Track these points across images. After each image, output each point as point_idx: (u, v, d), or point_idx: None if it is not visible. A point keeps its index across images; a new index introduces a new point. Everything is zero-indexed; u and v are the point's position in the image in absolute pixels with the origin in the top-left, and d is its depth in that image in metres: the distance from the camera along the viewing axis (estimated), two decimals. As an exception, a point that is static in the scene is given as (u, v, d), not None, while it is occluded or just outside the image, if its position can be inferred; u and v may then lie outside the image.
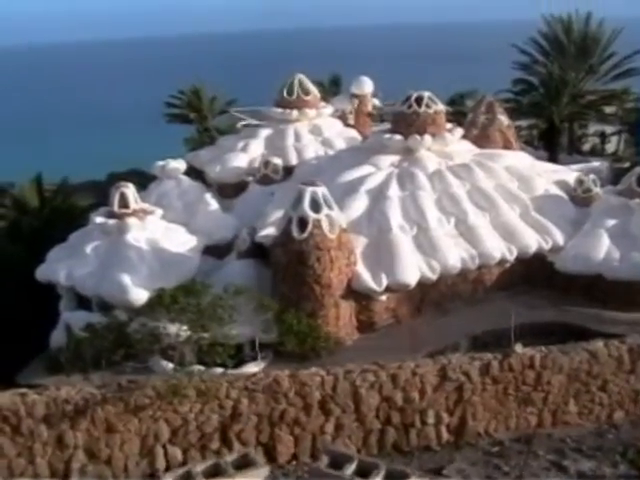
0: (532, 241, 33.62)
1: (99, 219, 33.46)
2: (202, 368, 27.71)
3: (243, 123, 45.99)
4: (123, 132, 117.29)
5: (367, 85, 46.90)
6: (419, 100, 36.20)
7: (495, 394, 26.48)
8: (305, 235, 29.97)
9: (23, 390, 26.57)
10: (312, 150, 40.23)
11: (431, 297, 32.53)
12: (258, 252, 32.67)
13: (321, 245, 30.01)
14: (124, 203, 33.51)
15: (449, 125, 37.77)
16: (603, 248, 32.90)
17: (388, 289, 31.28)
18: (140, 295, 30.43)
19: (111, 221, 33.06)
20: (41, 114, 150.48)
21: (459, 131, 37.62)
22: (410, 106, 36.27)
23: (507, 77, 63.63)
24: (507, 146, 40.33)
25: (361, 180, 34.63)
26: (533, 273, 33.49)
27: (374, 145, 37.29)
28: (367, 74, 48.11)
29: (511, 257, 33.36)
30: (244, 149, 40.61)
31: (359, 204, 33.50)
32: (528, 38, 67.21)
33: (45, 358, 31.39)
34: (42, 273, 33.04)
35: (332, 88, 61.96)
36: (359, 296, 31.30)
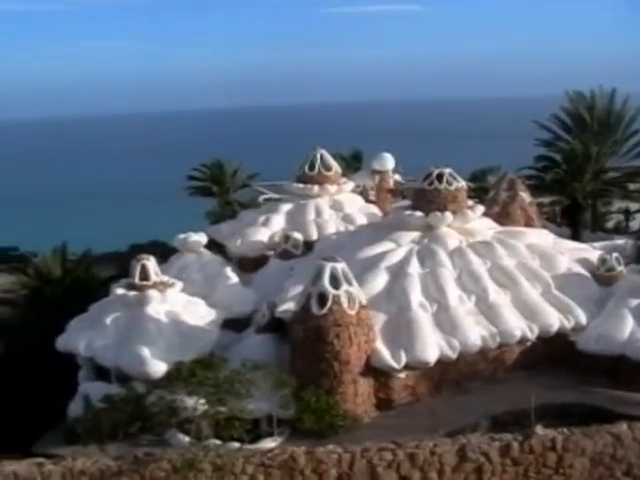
0: (554, 320, 33.37)
1: (119, 291, 33.63)
2: (218, 442, 27.65)
3: (264, 197, 46.53)
4: (145, 204, 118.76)
5: (388, 161, 47.37)
6: (440, 177, 36.46)
7: (515, 476, 26.00)
8: (324, 311, 29.92)
9: (40, 460, 26.65)
10: (333, 225, 40.50)
11: (450, 376, 32.19)
12: (277, 327, 32.61)
13: (340, 321, 29.92)
14: (145, 275, 33.68)
15: (470, 202, 37.97)
16: (627, 328, 32.57)
17: (407, 367, 31.04)
18: (158, 367, 30.37)
19: (131, 293, 33.21)
20: (66, 186, 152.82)
21: (480, 208, 37.75)
22: (431, 183, 36.51)
23: (529, 153, 64.02)
24: (529, 223, 40.41)
25: (381, 256, 34.70)
26: (555, 353, 33.11)
27: (395, 221, 37.46)
28: (388, 150, 48.65)
29: (532, 336, 33.09)
30: (265, 223, 40.93)
31: (379, 280, 33.50)
32: (550, 114, 67.70)
33: (62, 428, 31.31)
34: (62, 343, 33.13)
35: (353, 163, 62.51)
36: (378, 373, 31.02)
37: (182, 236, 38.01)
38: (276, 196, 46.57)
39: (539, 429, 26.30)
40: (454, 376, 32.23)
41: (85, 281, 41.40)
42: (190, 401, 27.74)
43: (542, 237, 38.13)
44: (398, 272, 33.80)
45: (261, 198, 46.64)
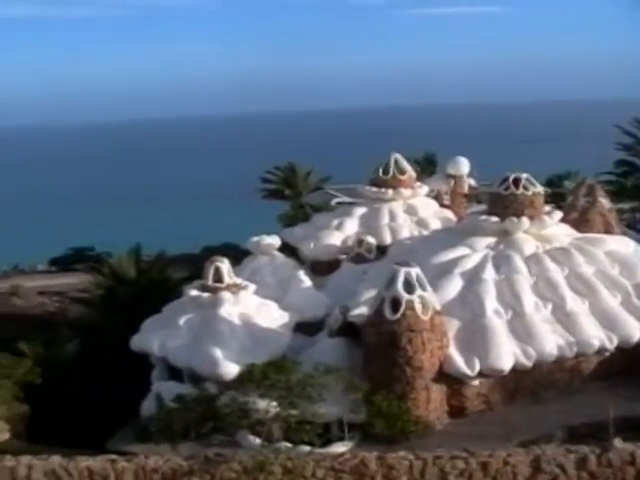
0: (634, 330, 32.51)
1: (193, 292, 33.90)
2: (289, 445, 27.61)
3: (337, 201, 46.37)
4: (218, 206, 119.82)
5: (463, 165, 46.74)
6: (517, 181, 35.87)
7: (592, 490, 25.35)
8: (397, 316, 29.72)
9: (113, 456, 27.02)
10: (406, 230, 40.17)
11: (525, 384, 31.61)
12: (350, 331, 32.43)
13: (414, 326, 29.67)
14: (218, 277, 33.88)
15: (547, 207, 37.20)
16: None
17: (481, 374, 30.62)
18: (230, 369, 30.52)
19: (205, 295, 33.44)
20: (142, 187, 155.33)
21: (558, 214, 36.97)
22: (507, 187, 35.94)
23: (608, 158, 62.55)
24: (608, 230, 39.41)
25: (456, 262, 34.29)
26: (634, 364, 32.22)
27: (470, 226, 36.99)
28: (462, 154, 48.01)
29: (611, 346, 32.26)
30: (338, 227, 40.81)
31: (453, 286, 33.12)
32: (632, 119, 65.98)
33: (135, 426, 31.78)
34: (136, 343, 33.55)
35: (427, 167, 62.00)
36: (451, 380, 30.68)
37: (255, 239, 38.12)
38: (348, 200, 46.37)
39: (618, 442, 25.60)
40: (529, 385, 31.64)
41: (159, 282, 41.81)
42: (262, 403, 27.78)
43: (622, 244, 37.14)
44: (473, 278, 33.36)
45: (333, 201, 46.49)
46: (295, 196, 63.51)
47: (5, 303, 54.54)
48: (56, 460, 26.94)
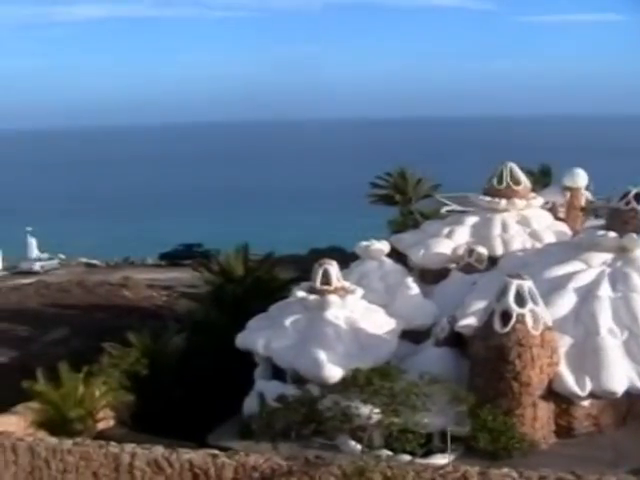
0: None
1: (300, 293, 33.90)
2: (390, 453, 27.32)
3: (447, 209, 45.65)
4: (326, 209, 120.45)
5: (581, 178, 45.39)
6: (638, 197, 34.59)
7: None
8: (507, 329, 29.04)
9: (214, 451, 27.23)
10: (519, 241, 39.22)
11: (638, 409, 30.35)
12: (456, 341, 31.91)
13: (523, 341, 28.93)
14: (326, 280, 33.80)
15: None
16: None
17: (592, 395, 29.62)
18: (334, 372, 30.37)
19: (312, 297, 33.40)
20: (253, 187, 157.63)
21: (680, 233, 35.39)
22: (628, 202, 34.75)
23: None
24: None
25: (570, 277, 33.23)
26: None
27: (585, 241, 35.81)
28: (578, 166, 46.60)
29: None
30: (449, 235, 40.18)
31: (566, 302, 32.10)
32: None
33: (236, 423, 32.07)
34: (242, 341, 33.78)
35: (542, 178, 60.61)
36: (559, 399, 29.79)
37: (364, 243, 37.86)
38: (459, 208, 45.56)
39: None
40: (642, 410, 30.39)
41: (266, 281, 42.03)
42: (364, 409, 27.57)
43: None
44: (587, 294, 32.27)
45: (444, 209, 45.78)
46: (405, 202, 63.07)
47: (115, 294, 56.06)
48: (159, 450, 27.36)
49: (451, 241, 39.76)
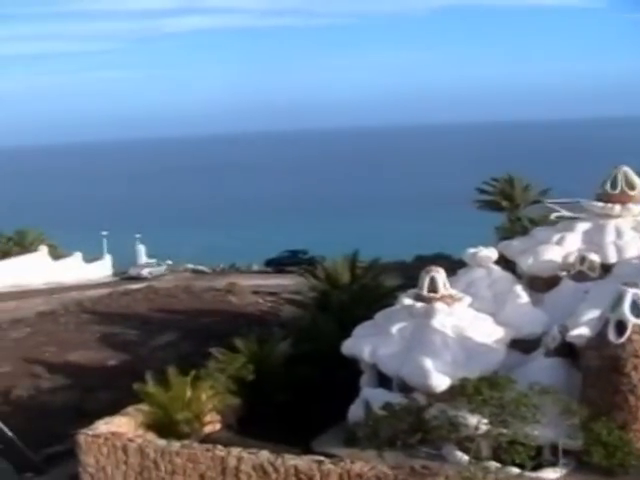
0: None
1: (407, 301, 33.54)
2: (498, 465, 26.64)
3: (557, 215, 44.42)
4: (431, 215, 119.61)
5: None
6: None
7: None
8: (622, 340, 27.99)
9: (319, 458, 27.16)
10: (634, 249, 37.62)
11: None
12: (567, 351, 30.93)
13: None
14: (433, 287, 33.33)
15: None
16: None
17: None
18: (441, 381, 29.90)
19: (419, 304, 32.99)
20: (357, 194, 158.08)
21: None
22: None
23: None
24: None
25: (689, 286, 31.74)
26: None
27: None
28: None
29: None
30: (559, 242, 38.95)
31: (686, 313, 30.64)
32: None
33: (341, 430, 31.92)
34: (348, 347, 33.62)
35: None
36: (679, 414, 28.43)
37: (472, 250, 37.15)
38: (569, 214, 44.25)
39: None
40: None
41: (372, 288, 41.80)
42: (472, 419, 27.03)
43: None
44: None
45: (553, 215, 44.56)
46: (512, 208, 61.94)
47: (221, 300, 56.85)
48: (265, 455, 27.47)
49: (562, 248, 38.51)
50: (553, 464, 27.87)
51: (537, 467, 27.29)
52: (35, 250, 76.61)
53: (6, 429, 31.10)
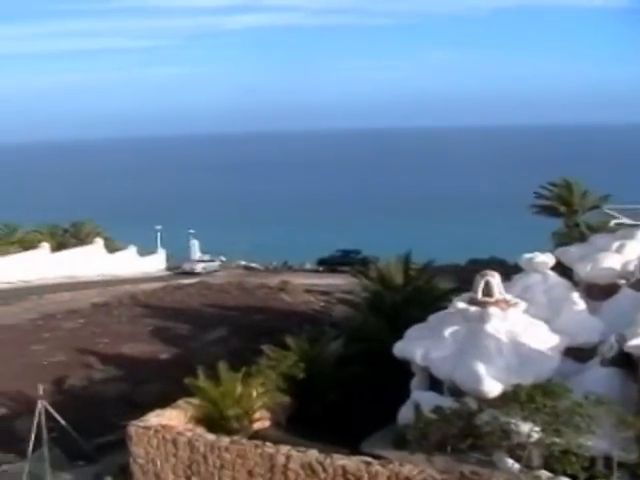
0: None
1: (461, 304, 33.18)
2: (550, 475, 26.24)
3: (617, 222, 43.66)
4: (487, 218, 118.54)
5: None
6: None
7: None
8: (682, 351, 27.30)
9: (368, 459, 27.02)
10: (696, 258, 36.89)
11: None
12: (624, 362, 30.27)
13: (700, 366, 27.12)
14: (488, 292, 32.93)
15: None
16: None
17: None
18: (494, 387, 29.48)
19: (473, 308, 32.61)
20: (413, 195, 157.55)
21: None
22: None
23: None
24: None
25: None
26: None
27: None
28: None
29: None
30: (619, 250, 38.26)
31: None
32: None
33: (391, 432, 31.69)
34: (399, 349, 33.38)
35: None
36: None
37: (528, 255, 36.66)
38: (629, 221, 43.43)
39: None
40: None
41: (426, 291, 41.50)
42: (524, 427, 26.65)
43: None
44: None
45: (612, 222, 43.78)
46: (570, 214, 61.06)
47: (274, 298, 57.09)
48: (313, 454, 27.35)
49: (621, 256, 37.84)
50: (606, 476, 27.26)
51: (590, 479, 26.81)
52: (91, 242, 77.74)
53: (59, 417, 31.48)
